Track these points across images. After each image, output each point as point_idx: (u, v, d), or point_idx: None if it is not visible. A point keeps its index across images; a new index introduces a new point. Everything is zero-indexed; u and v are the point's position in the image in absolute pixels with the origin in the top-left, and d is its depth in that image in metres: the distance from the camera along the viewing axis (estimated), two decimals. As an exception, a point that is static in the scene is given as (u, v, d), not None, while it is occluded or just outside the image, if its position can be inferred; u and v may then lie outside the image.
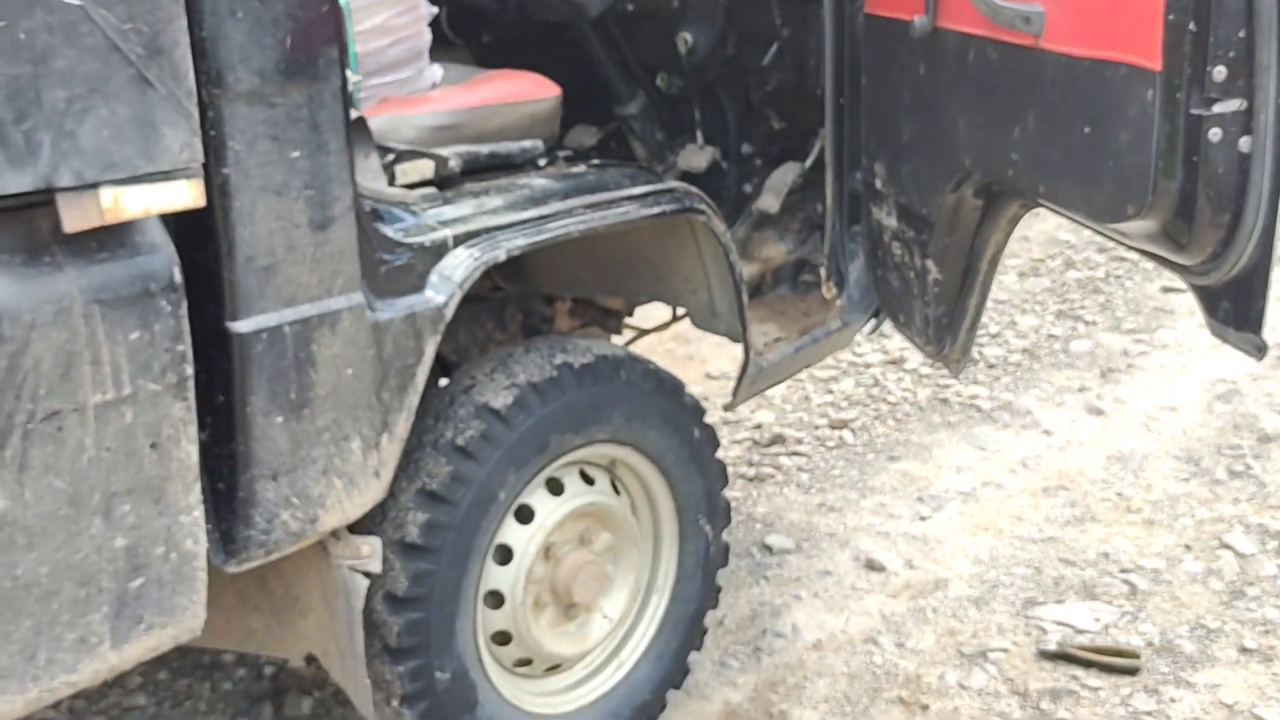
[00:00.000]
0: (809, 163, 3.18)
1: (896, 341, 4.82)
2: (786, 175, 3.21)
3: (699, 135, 3.36)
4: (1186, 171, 2.09)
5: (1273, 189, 2.06)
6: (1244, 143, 2.06)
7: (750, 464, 4.04)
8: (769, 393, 4.47)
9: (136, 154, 1.76)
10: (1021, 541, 3.56)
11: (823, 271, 3.14)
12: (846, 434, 4.19)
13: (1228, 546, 3.47)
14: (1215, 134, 2.05)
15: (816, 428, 4.26)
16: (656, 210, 2.60)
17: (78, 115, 1.70)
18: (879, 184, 2.92)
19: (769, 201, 3.21)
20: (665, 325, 3.41)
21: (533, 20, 3.21)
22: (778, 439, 4.17)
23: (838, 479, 3.93)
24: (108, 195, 1.75)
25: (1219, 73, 2.02)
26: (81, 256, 1.78)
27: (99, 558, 1.89)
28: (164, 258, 1.85)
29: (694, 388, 3.99)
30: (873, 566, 3.47)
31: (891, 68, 2.77)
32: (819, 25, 2.96)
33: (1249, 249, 2.12)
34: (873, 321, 3.24)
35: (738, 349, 2.95)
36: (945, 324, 2.85)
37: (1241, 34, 2.01)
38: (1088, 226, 2.42)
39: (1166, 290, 5.17)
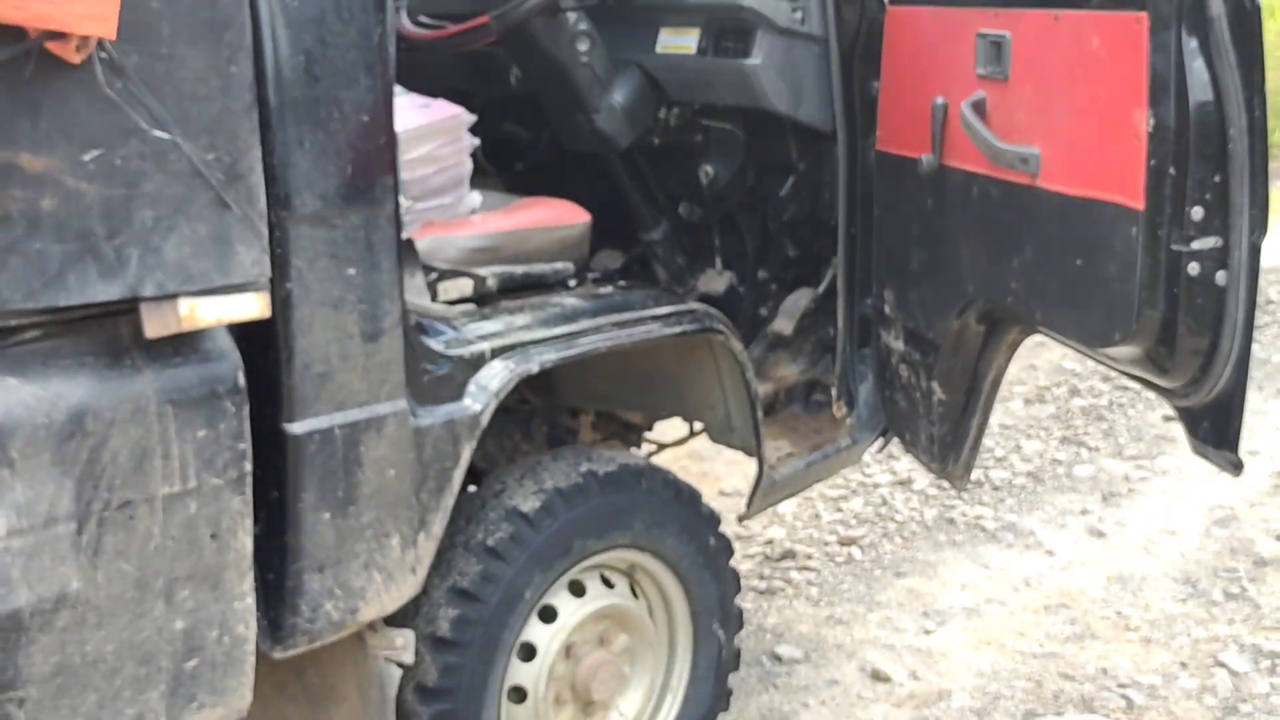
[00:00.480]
0: (822, 288, 3.35)
1: (905, 463, 4.96)
2: (800, 300, 3.38)
3: (718, 261, 3.54)
4: (1168, 302, 2.26)
5: (1247, 319, 2.24)
6: (1220, 276, 2.24)
7: (761, 577, 4.16)
8: (781, 510, 4.61)
9: (213, 268, 1.95)
10: (1023, 656, 3.67)
11: (833, 391, 3.30)
12: (855, 550, 4.32)
13: (1222, 665, 3.58)
14: (1194, 268, 2.23)
15: (826, 544, 4.39)
16: (678, 329, 2.78)
17: (163, 233, 1.89)
18: (888, 309, 3.10)
19: (783, 324, 3.38)
20: (683, 440, 3.58)
21: (564, 150, 3.42)
22: (789, 554, 4.30)
23: (846, 593, 4.06)
24: (185, 305, 1.93)
25: (1197, 212, 2.21)
26: (158, 360, 1.96)
27: (159, 639, 2.04)
28: (230, 363, 2.03)
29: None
30: (878, 677, 3.58)
31: (901, 201, 2.97)
32: (833, 160, 3.16)
33: (1226, 374, 2.29)
34: (880, 440, 3.40)
35: (750, 466, 3.11)
36: (949, 443, 3.01)
37: (1217, 178, 2.20)
38: (1081, 351, 2.59)
39: (1168, 419, 5.31)
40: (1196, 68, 2.17)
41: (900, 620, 3.89)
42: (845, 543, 4.38)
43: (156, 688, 2.06)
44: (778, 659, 3.69)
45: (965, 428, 2.97)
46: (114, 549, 1.95)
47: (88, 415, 1.88)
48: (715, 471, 4.96)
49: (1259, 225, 2.21)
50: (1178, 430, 5.04)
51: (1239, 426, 2.34)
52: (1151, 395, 5.43)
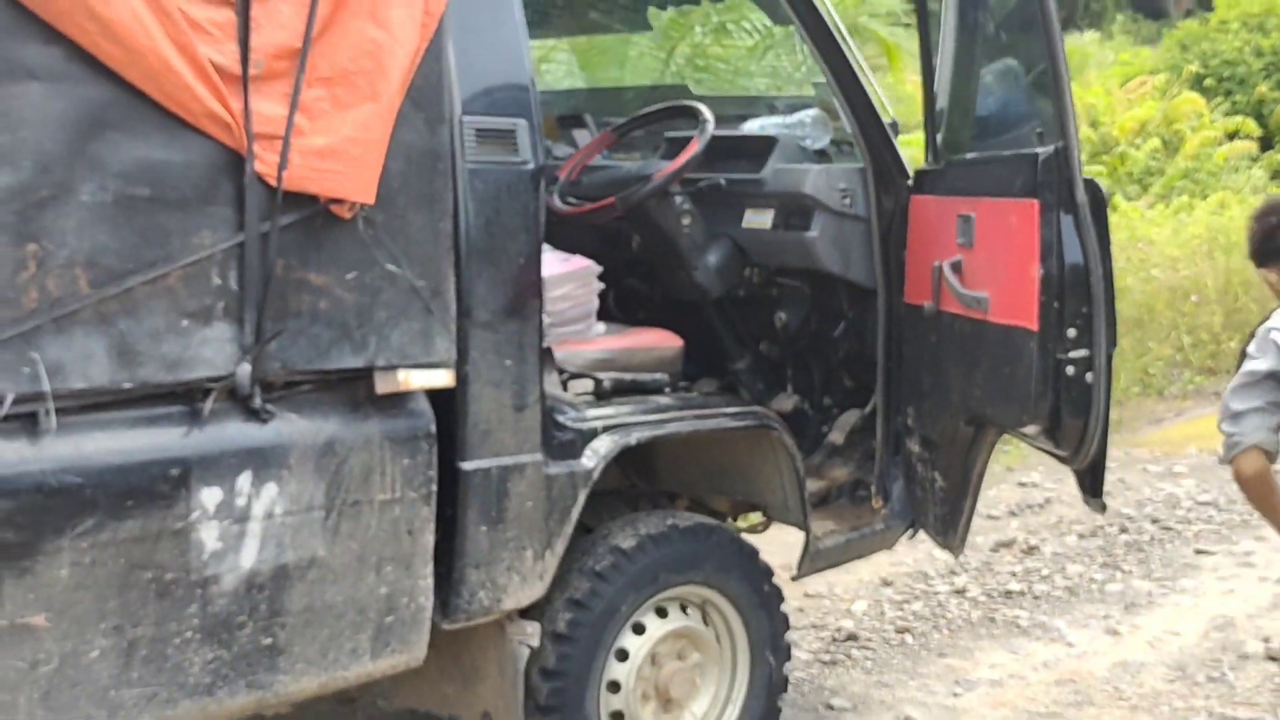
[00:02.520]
0: (867, 409, 4.26)
1: (964, 577, 5.79)
2: (850, 418, 4.29)
3: (789, 387, 4.48)
4: (1054, 394, 3.18)
5: (1106, 406, 3.14)
6: (1088, 376, 3.16)
7: (828, 653, 5.01)
8: (851, 607, 5.46)
9: (420, 352, 2.96)
10: (1030, 714, 4.45)
11: (874, 488, 4.20)
12: (908, 637, 5.15)
13: (1192, 726, 4.34)
14: (1070, 370, 3.16)
15: (885, 632, 5.22)
16: (742, 424, 3.73)
17: (390, 327, 2.91)
18: (910, 421, 4.01)
19: (837, 436, 4.29)
20: (762, 527, 4.48)
21: (672, 299, 4.40)
22: (852, 636, 5.14)
23: (894, 666, 4.88)
24: (402, 374, 2.94)
25: (1071, 333, 3.14)
26: (383, 410, 2.97)
27: (370, 598, 3.00)
28: (427, 417, 3.03)
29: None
30: (909, 723, 4.41)
31: (916, 338, 3.90)
32: (874, 310, 4.11)
33: (1095, 445, 3.18)
34: (910, 529, 4.27)
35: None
36: (949, 520, 3.89)
37: (1084, 309, 3.13)
38: (1025, 440, 3.49)
39: (1199, 553, 6.07)
40: (1069, 237, 3.12)
41: (935, 686, 4.70)
42: (901, 631, 5.20)
43: (366, 632, 3.01)
44: (830, 707, 4.52)
45: (959, 508, 3.86)
46: (346, 532, 2.93)
47: (337, 442, 2.89)
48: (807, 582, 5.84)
49: (1111, 341, 3.13)
50: (1204, 561, 5.83)
51: (1102, 480, 3.23)
52: (1191, 534, 6.21)
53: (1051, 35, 3.33)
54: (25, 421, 2.51)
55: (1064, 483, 7.24)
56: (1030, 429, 3.37)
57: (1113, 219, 11.06)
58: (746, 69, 10.08)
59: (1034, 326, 3.19)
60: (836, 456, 4.33)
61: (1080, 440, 3.28)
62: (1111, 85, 16.34)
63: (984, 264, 3.41)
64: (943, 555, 6.02)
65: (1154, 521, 6.60)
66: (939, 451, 3.84)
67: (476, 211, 3.08)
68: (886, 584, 5.77)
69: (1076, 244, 3.18)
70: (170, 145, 2.61)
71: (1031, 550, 6.19)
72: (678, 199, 4.08)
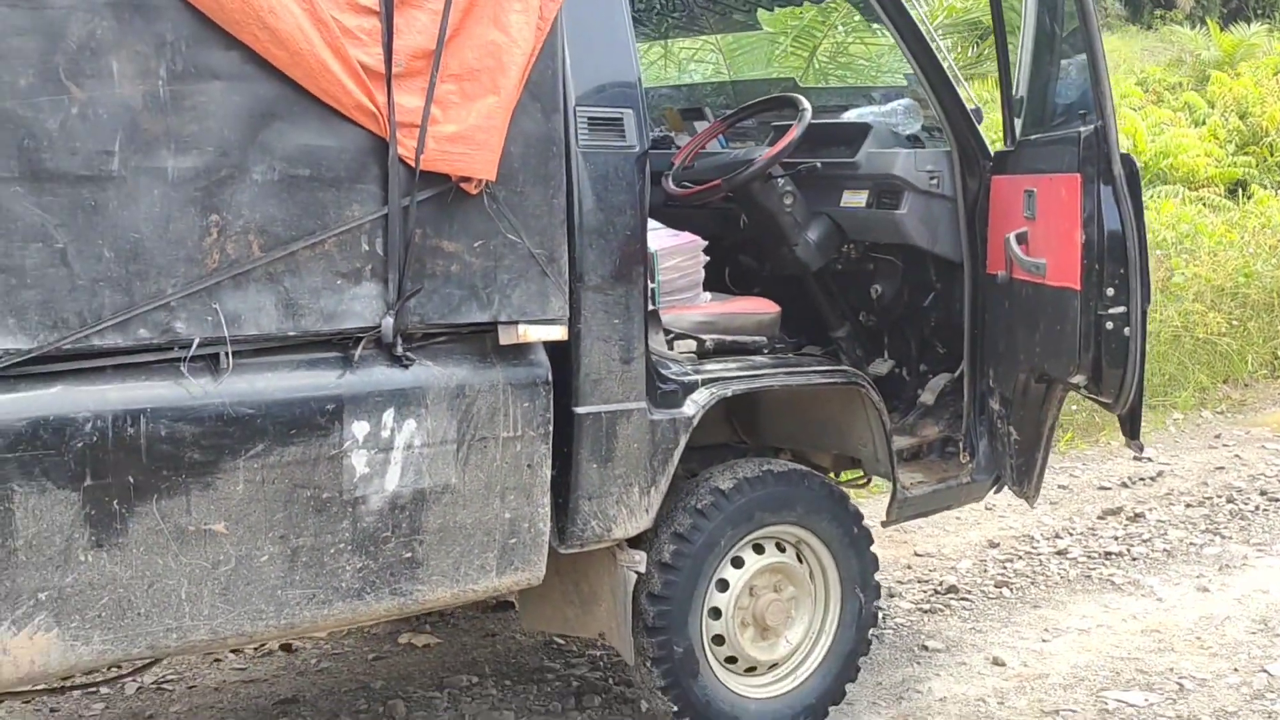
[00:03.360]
0: (956, 373, 4.60)
1: (1067, 540, 6.06)
2: (940, 381, 4.63)
3: (885, 353, 4.84)
4: (1096, 347, 3.50)
5: (1141, 357, 3.46)
6: (1125, 330, 3.47)
7: (928, 603, 5.34)
8: (954, 562, 5.79)
9: (537, 309, 3.40)
10: (1112, 659, 4.74)
11: (961, 445, 4.54)
12: (1006, 590, 5.46)
13: (1265, 671, 4.57)
14: (1109, 325, 3.48)
15: (985, 586, 5.53)
16: (831, 380, 4.11)
17: (512, 287, 3.36)
18: (991, 383, 4.34)
19: (928, 398, 4.64)
20: (864, 481, 4.85)
21: (778, 273, 4.79)
22: (952, 589, 5.47)
23: (990, 615, 5.20)
24: (522, 329, 3.39)
25: (1110, 291, 3.46)
26: (505, 359, 3.42)
27: (495, 522, 3.46)
28: (545, 367, 3.48)
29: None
30: (997, 663, 4.72)
31: (994, 305, 4.24)
32: (960, 282, 4.45)
33: (1132, 392, 3.50)
34: (995, 484, 4.59)
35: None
36: (1024, 471, 4.22)
37: (1121, 270, 3.45)
38: (1071, 388, 3.81)
39: (1301, 523, 6.26)
40: (1108, 206, 3.44)
41: (1025, 633, 5.01)
42: (1000, 585, 5.52)
43: (492, 551, 3.47)
44: (924, 648, 4.87)
45: (1033, 459, 4.19)
46: (475, 463, 3.39)
47: (466, 386, 3.35)
48: (913, 540, 6.17)
49: (1146, 298, 3.44)
50: (1304, 531, 6.03)
51: (1139, 424, 3.55)
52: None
53: (1089, 27, 3.69)
54: (209, 361, 3.01)
55: (1178, 458, 7.48)
56: (1078, 378, 3.71)
57: (1246, 206, 11.36)
58: (890, 65, 10.38)
59: (1078, 286, 3.52)
60: (928, 416, 4.67)
61: (1120, 388, 3.61)
62: (1263, 76, 16.18)
63: (1043, 234, 3.75)
64: (1051, 521, 6.35)
65: (1262, 494, 6.77)
66: (1014, 408, 4.18)
67: (588, 189, 3.52)
68: (993, 545, 6.08)
69: (1115, 213, 3.51)
70: (326, 133, 3.09)
71: (1136, 517, 6.43)
72: (780, 181, 4.47)
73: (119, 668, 3.80)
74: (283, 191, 3.05)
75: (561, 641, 4.99)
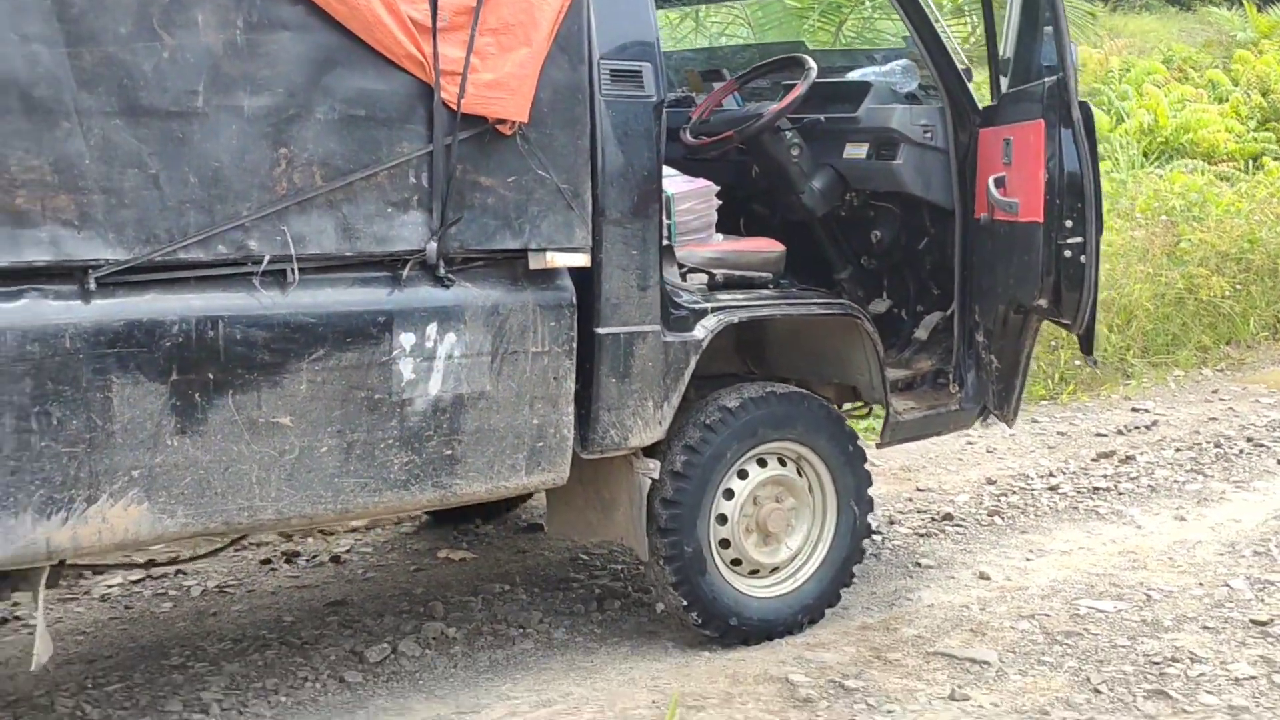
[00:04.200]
0: (948, 312, 5.00)
1: (1060, 479, 6.47)
2: (933, 319, 5.04)
3: (884, 293, 5.24)
4: (1056, 273, 3.91)
5: (1095, 282, 3.87)
6: (1082, 258, 3.89)
7: (925, 529, 5.75)
8: (952, 496, 6.20)
9: (564, 237, 3.83)
10: (1088, 574, 5.14)
11: (951, 376, 4.94)
12: (997, 519, 5.86)
13: (1228, 585, 4.97)
14: (1068, 253, 3.88)
15: (978, 515, 5.94)
16: (829, 311, 4.52)
17: (541, 218, 3.78)
18: (976, 317, 4.75)
19: (921, 334, 5.05)
20: (865, 410, 5.26)
21: (786, 219, 5.20)
22: (948, 517, 5.88)
23: (981, 539, 5.61)
24: (550, 255, 3.82)
25: (1068, 224, 3.87)
26: (535, 283, 3.84)
27: (525, 427, 3.89)
28: (570, 291, 3.90)
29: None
30: (983, 576, 5.13)
31: (979, 246, 4.64)
32: (951, 227, 4.84)
33: (1088, 312, 3.91)
34: (982, 414, 5.00)
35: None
36: (1004, 396, 4.63)
37: (1078, 204, 3.86)
38: (1037, 312, 4.23)
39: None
40: (1068, 148, 3.84)
41: (1011, 554, 5.42)
42: (992, 514, 5.92)
43: (522, 452, 3.90)
44: (918, 565, 5.28)
45: (1012, 385, 4.62)
46: (507, 374, 3.82)
47: (500, 305, 3.78)
48: (916, 478, 6.59)
49: (1099, 229, 3.84)
50: (1284, 471, 6.41)
51: (1093, 341, 3.98)
52: (1278, 450, 6.77)
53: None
54: (277, 276, 3.45)
55: (1174, 410, 7.86)
56: (1041, 301, 4.13)
57: (1257, 177, 11.69)
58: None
59: (1041, 219, 3.94)
60: (922, 351, 5.08)
61: (1077, 309, 4.03)
62: (1287, 55, 16.41)
63: (1016, 177, 4.16)
64: (1047, 462, 6.75)
65: (1249, 440, 7.15)
66: (995, 338, 4.60)
67: (610, 133, 3.94)
68: (990, 482, 6.48)
69: (1074, 153, 3.92)
70: (380, 79, 3.52)
71: (1127, 459, 6.82)
72: (787, 134, 4.88)
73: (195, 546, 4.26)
74: (342, 129, 3.48)
75: (586, 557, 5.43)
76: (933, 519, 5.90)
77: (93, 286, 3.20)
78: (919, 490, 6.40)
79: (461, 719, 4.00)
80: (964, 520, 5.87)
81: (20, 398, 3.13)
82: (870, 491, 4.69)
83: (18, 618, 4.84)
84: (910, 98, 4.99)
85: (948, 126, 4.77)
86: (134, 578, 5.25)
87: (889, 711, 3.97)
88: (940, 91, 4.78)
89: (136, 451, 3.30)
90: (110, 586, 5.18)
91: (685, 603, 4.35)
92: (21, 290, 3.13)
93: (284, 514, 3.56)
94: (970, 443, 7.35)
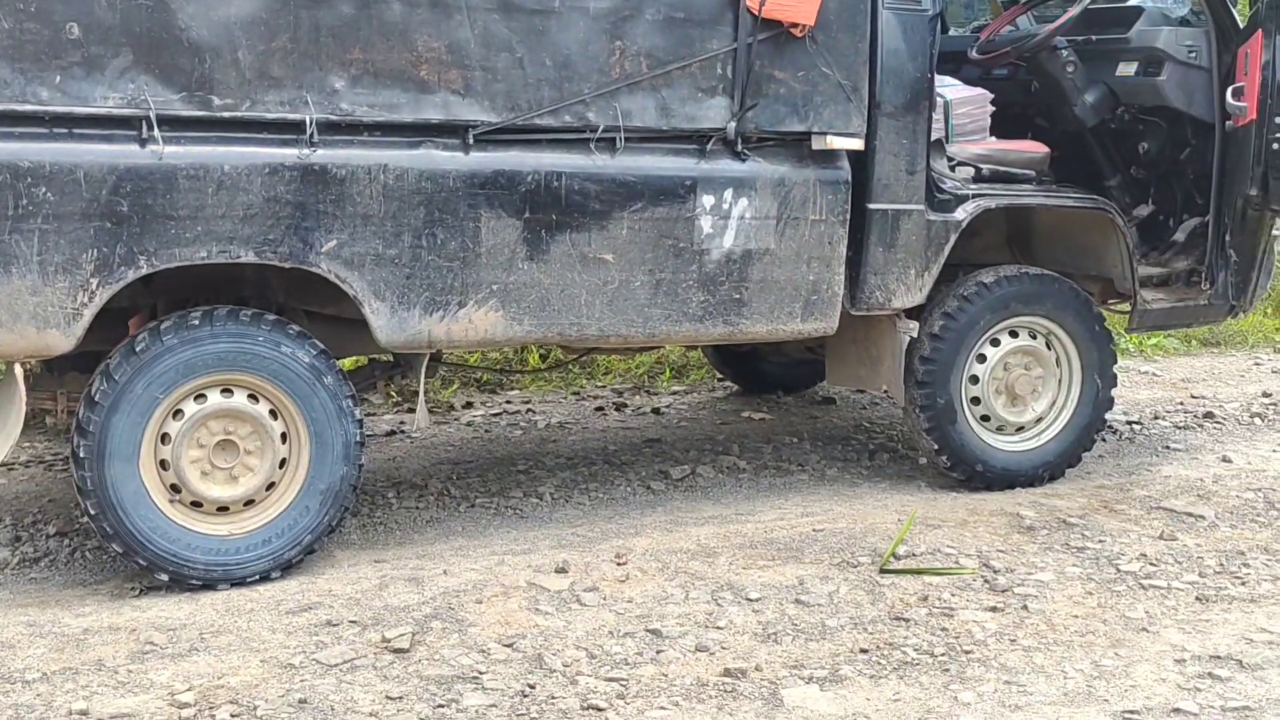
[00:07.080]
0: (1207, 218, 5.46)
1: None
2: (1191, 223, 5.49)
3: (1150, 201, 5.72)
4: (1264, 163, 4.37)
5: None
6: None
7: (1184, 423, 6.20)
8: (1224, 404, 6.58)
9: (842, 124, 4.57)
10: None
11: (1203, 275, 5.41)
12: (1258, 420, 6.26)
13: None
14: (1276, 146, 4.34)
15: (1240, 416, 6.34)
16: (1083, 205, 5.09)
17: (824, 107, 4.54)
18: (1226, 220, 5.21)
19: (1179, 236, 5.51)
20: (1122, 305, 5.77)
21: (1064, 131, 5.74)
22: (1210, 415, 6.30)
23: (1235, 434, 6.03)
24: (830, 138, 4.57)
25: (1278, 120, 4.32)
26: (817, 161, 4.61)
27: (803, 281, 4.66)
28: (846, 170, 4.65)
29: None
30: (1225, 460, 5.57)
31: (1230, 154, 5.10)
32: (1212, 138, 5.30)
33: None
34: (1231, 311, 5.44)
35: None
36: (1240, 287, 5.10)
37: None
38: (1251, 202, 4.70)
39: None
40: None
41: (1260, 447, 5.83)
42: (1254, 415, 6.33)
43: (799, 302, 4.68)
44: (1167, 448, 5.77)
45: (1249, 277, 5.06)
46: (789, 235, 4.60)
47: (786, 178, 4.56)
48: (1193, 387, 6.98)
49: None
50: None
51: None
52: None
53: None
54: (608, 142, 4.34)
55: None
56: (1253, 190, 4.60)
57: None
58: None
59: (1255, 116, 4.41)
60: (1179, 251, 5.55)
61: None
62: None
63: (1249, 85, 4.62)
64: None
65: None
66: (1234, 234, 5.07)
67: (887, 39, 4.64)
68: (1266, 395, 6.82)
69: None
70: (697, -12, 4.37)
71: None
72: (1064, 52, 5.43)
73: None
74: (665, 28, 4.33)
75: (869, 424, 6.18)
76: (1195, 416, 6.33)
77: (471, 141, 4.17)
78: (1192, 397, 6.81)
79: (740, 519, 4.83)
80: (1224, 420, 6.28)
81: (416, 221, 4.14)
82: (1116, 372, 5.23)
83: (402, 430, 6.00)
84: (1181, 21, 5.45)
85: (1211, 46, 5.22)
86: (494, 411, 6.35)
87: (1100, 541, 4.56)
88: (1206, 15, 5.23)
89: (496, 270, 4.26)
90: (475, 416, 6.29)
91: (936, 447, 5.05)
92: (420, 141, 4.14)
93: (604, 332, 4.46)
94: (1257, 363, 7.64)
